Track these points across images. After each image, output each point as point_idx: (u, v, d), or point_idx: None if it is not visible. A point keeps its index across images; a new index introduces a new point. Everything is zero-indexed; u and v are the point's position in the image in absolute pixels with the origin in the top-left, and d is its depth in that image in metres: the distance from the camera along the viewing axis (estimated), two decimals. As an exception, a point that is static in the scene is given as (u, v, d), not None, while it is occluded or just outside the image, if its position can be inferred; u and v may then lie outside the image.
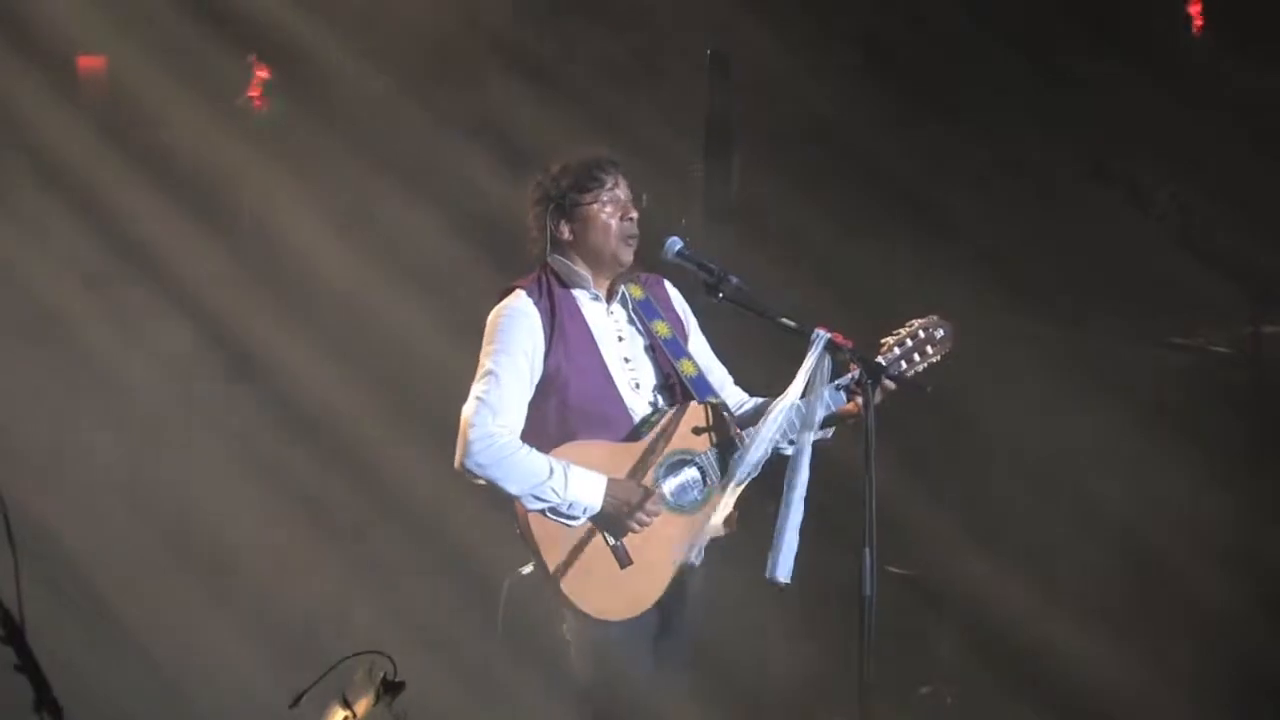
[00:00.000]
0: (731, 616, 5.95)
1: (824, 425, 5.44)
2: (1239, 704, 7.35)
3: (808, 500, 5.28)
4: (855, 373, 5.31)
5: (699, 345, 5.70)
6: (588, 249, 5.49)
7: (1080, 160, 8.07)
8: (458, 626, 7.29)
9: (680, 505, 5.39)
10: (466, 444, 5.30)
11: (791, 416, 5.38)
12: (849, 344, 5.31)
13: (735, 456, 5.40)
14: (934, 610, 7.68)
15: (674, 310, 5.68)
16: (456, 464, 5.34)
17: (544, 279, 5.49)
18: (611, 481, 5.31)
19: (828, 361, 5.31)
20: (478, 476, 5.31)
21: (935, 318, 5.58)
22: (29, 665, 3.34)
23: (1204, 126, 7.87)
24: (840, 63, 8.18)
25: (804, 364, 5.30)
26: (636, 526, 5.31)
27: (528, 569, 5.33)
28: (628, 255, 5.50)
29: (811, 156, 8.31)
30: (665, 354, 5.53)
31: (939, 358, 5.55)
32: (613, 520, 5.31)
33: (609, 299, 5.55)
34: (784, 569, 5.26)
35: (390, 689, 4.36)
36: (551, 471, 5.26)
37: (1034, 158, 8.07)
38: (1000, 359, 7.81)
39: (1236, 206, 7.77)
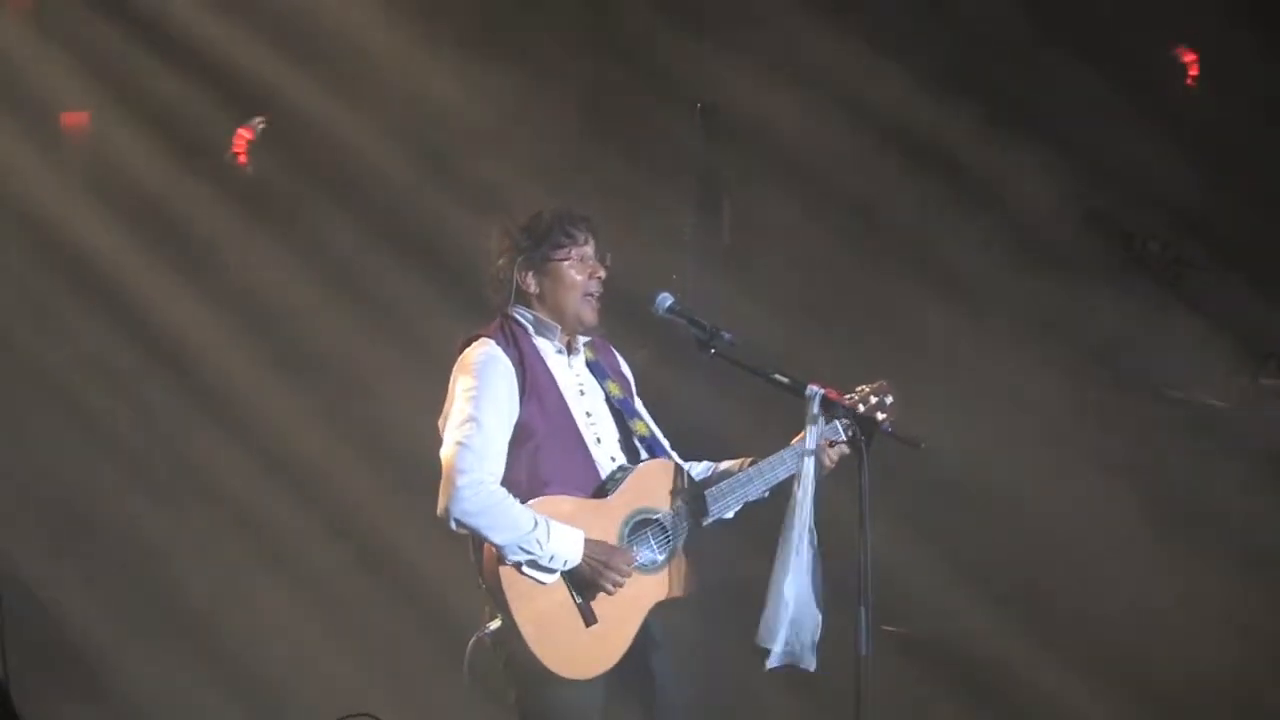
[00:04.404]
0: (723, 674, 5.91)
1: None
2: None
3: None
4: (850, 428, 5.25)
5: (644, 410, 5.60)
6: (553, 305, 5.39)
7: (1075, 210, 8.07)
8: (443, 685, 7.22)
9: (643, 565, 5.29)
10: (454, 490, 5.13)
11: (761, 479, 5.33)
12: (844, 400, 5.24)
13: (702, 515, 5.33)
14: (931, 668, 7.61)
15: (622, 374, 5.60)
16: (440, 510, 5.16)
17: (507, 329, 5.38)
18: (589, 540, 5.20)
19: (822, 419, 5.26)
20: (463, 524, 5.15)
21: (884, 384, 5.42)
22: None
23: (1199, 177, 7.86)
24: (831, 114, 8.16)
25: (807, 425, 5.25)
26: (610, 587, 5.21)
27: (494, 624, 5.22)
28: (590, 315, 5.40)
29: (802, 208, 8.29)
30: (620, 412, 5.46)
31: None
32: (586, 579, 5.20)
33: (570, 352, 5.46)
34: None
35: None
36: (535, 524, 5.14)
37: (1029, 208, 8.05)
38: (999, 412, 7.78)
39: (1233, 258, 7.76)
